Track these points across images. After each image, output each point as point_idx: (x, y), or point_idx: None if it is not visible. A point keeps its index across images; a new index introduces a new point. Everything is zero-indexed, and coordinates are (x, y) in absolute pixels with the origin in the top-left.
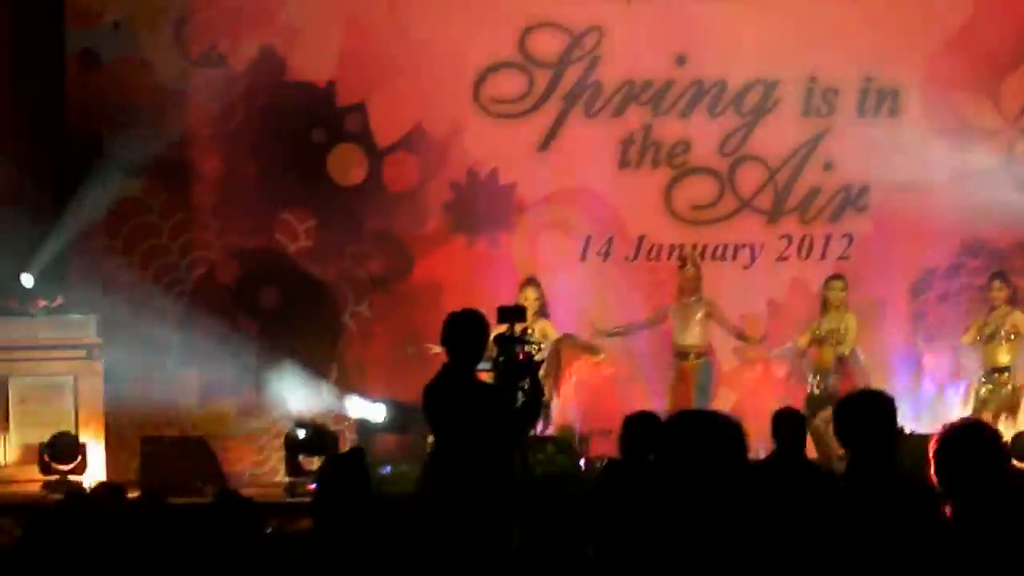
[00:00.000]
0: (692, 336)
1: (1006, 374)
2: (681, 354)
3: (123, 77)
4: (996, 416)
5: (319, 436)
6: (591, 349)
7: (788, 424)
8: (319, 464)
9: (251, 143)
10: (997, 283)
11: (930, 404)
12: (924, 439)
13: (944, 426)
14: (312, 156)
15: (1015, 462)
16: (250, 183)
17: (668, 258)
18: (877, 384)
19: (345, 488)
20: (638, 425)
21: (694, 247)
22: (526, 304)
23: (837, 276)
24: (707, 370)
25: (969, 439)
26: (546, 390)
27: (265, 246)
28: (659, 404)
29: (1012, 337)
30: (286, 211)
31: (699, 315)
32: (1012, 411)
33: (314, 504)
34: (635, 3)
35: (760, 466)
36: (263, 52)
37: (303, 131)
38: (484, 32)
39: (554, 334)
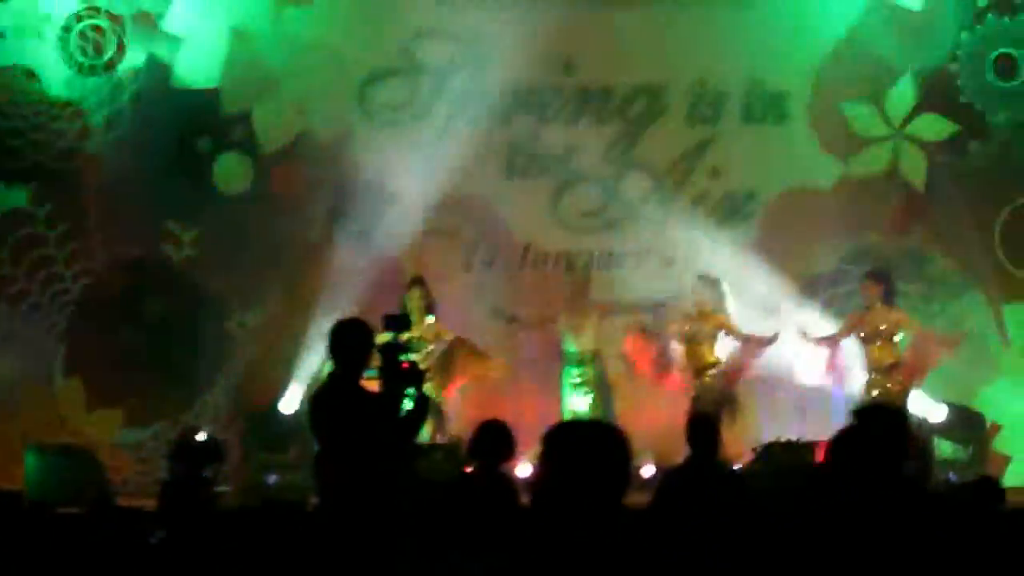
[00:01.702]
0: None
1: (895, 373)
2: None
3: (8, 86)
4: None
5: (204, 444)
6: (484, 356)
7: (702, 429)
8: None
9: (137, 152)
10: (868, 281)
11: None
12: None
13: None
14: (197, 164)
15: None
16: (136, 192)
17: (554, 266)
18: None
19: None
20: (489, 433)
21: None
22: (412, 304)
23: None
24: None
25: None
26: (434, 391)
27: (150, 256)
28: (551, 410)
29: (892, 337)
30: (171, 220)
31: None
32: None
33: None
34: (520, 9)
35: (676, 471)
36: (149, 61)
37: (188, 140)
38: (369, 38)
39: (448, 334)
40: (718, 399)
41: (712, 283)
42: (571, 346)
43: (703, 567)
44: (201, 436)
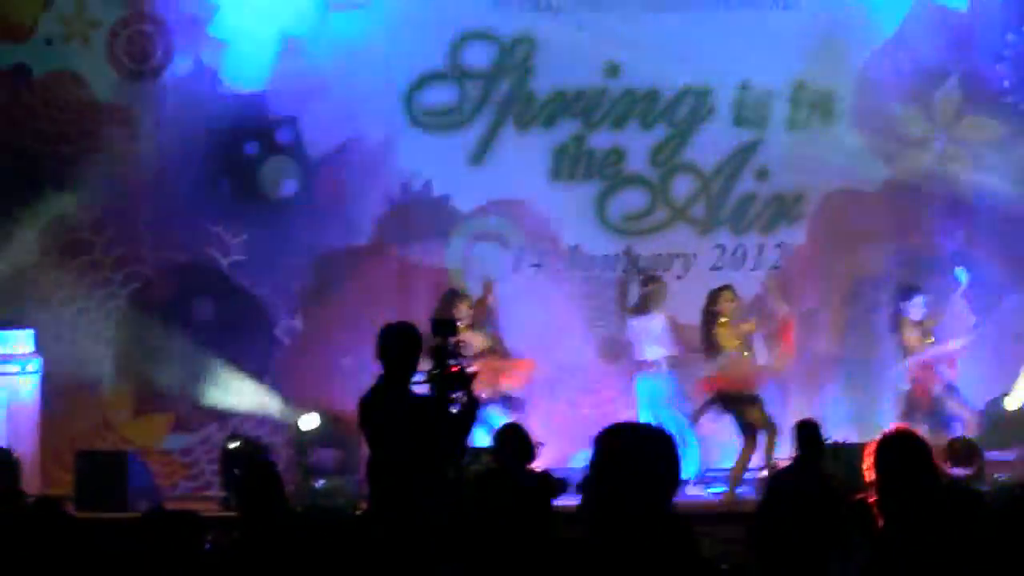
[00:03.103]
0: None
1: None
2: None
3: (56, 91)
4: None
5: (253, 449)
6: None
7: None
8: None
9: (184, 156)
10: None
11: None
12: (857, 449)
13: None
14: (244, 169)
15: (950, 468)
16: (183, 197)
17: (602, 269)
18: (807, 393)
19: (258, 498)
20: (510, 436)
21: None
22: (462, 313)
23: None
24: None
25: (901, 446)
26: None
27: (198, 260)
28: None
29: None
30: (218, 225)
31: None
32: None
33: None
34: (565, 13)
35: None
36: (196, 65)
37: (235, 144)
38: (416, 43)
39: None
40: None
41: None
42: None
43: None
44: (233, 444)
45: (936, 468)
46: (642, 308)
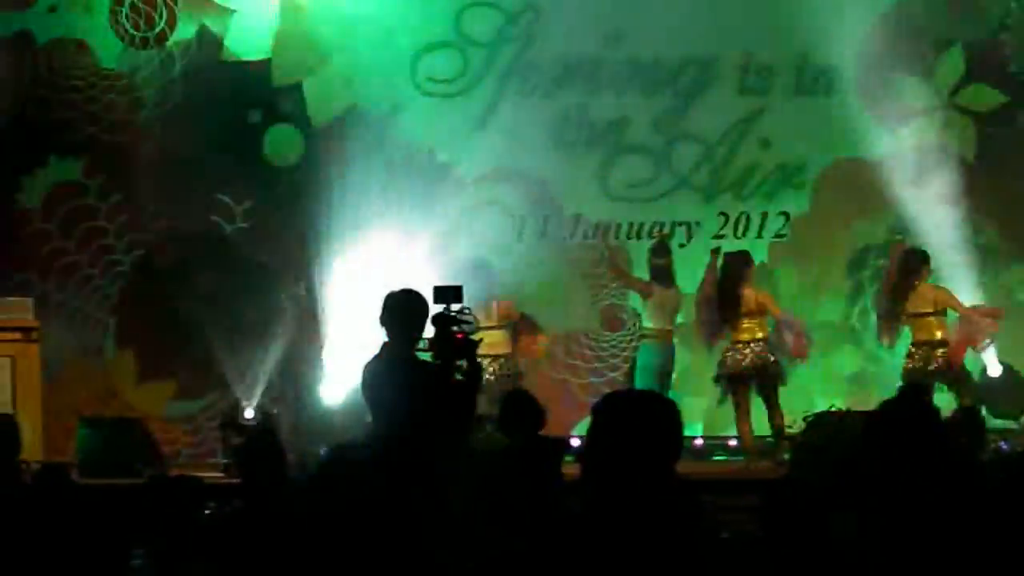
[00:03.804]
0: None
1: (940, 349)
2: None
3: (60, 59)
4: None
5: (260, 417)
6: (537, 330)
7: None
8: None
9: (188, 124)
10: (917, 260)
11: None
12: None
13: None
14: (249, 137)
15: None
16: (187, 164)
17: (605, 237)
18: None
19: (260, 468)
20: (516, 405)
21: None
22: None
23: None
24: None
25: (906, 411)
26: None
27: (202, 228)
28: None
29: (939, 315)
30: (223, 192)
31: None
32: (952, 382)
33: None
34: None
35: None
36: (199, 33)
37: (239, 112)
38: (420, 11)
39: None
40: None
41: None
42: (648, 322)
43: None
44: (249, 413)
45: (940, 435)
46: (651, 279)
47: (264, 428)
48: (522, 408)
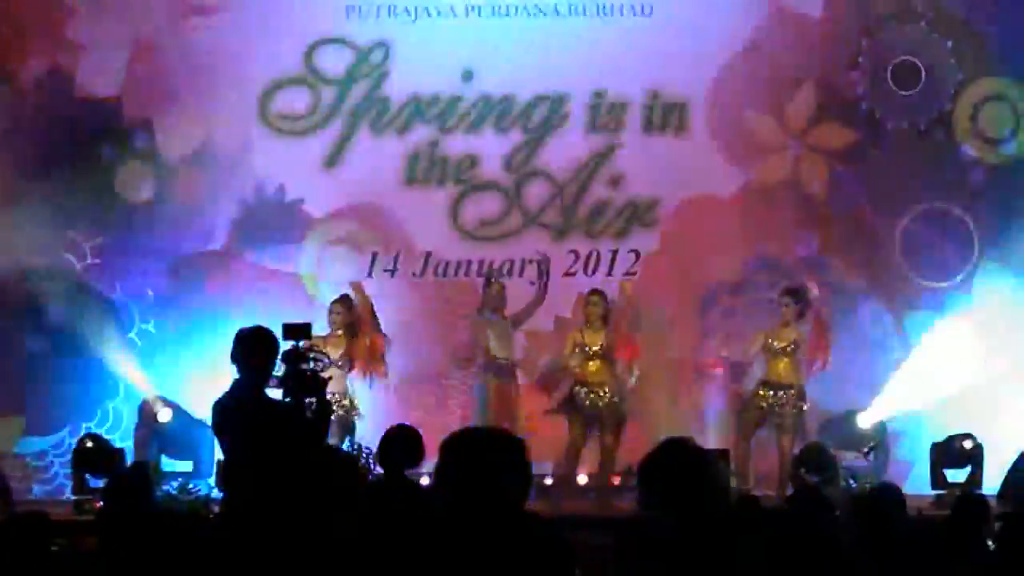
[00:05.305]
0: (510, 351)
1: (791, 391)
2: (502, 368)
3: None
4: (783, 433)
5: (105, 453)
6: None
7: None
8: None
9: (39, 160)
10: (788, 298)
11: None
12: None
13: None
14: (100, 173)
15: (805, 474)
16: (38, 201)
17: (455, 275)
18: (658, 401)
19: (129, 504)
20: (397, 439)
21: (491, 265)
22: (333, 317)
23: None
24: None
25: (673, 456)
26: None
27: (53, 264)
28: (452, 418)
29: (797, 354)
30: (74, 229)
31: (510, 331)
32: (796, 431)
33: (100, 521)
34: (420, 19)
35: None
36: (51, 69)
37: (91, 148)
38: (269, 48)
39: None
40: None
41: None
42: (505, 353)
43: None
44: (88, 444)
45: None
46: (482, 310)
47: (137, 463)
48: (404, 443)
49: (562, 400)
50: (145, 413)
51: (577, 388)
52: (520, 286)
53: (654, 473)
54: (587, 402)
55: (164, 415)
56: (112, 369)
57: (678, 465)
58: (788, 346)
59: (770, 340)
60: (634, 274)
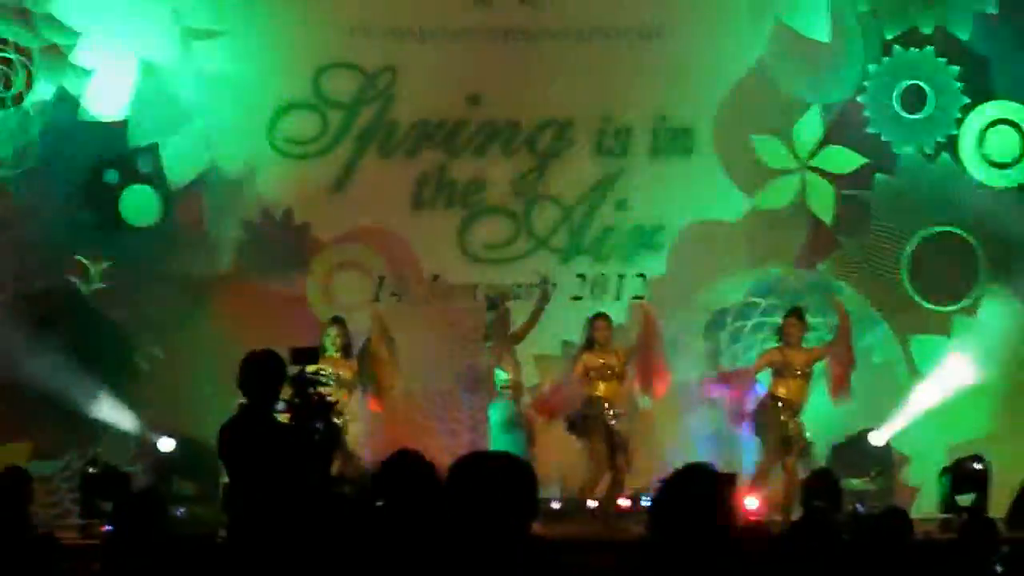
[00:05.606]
0: (519, 374)
1: (799, 412)
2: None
3: None
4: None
5: (112, 477)
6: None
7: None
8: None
9: (45, 184)
10: (793, 319)
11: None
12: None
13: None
14: (106, 197)
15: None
16: (44, 224)
17: (463, 298)
18: (664, 424)
19: (140, 529)
20: (399, 466)
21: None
22: (330, 341)
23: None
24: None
25: (687, 486)
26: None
27: (59, 287)
28: (454, 443)
29: (799, 374)
30: (80, 252)
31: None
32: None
33: (107, 546)
34: (428, 43)
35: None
36: (58, 93)
37: (97, 172)
38: (278, 72)
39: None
40: None
41: None
42: (500, 376)
43: None
44: (93, 470)
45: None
46: (487, 334)
47: (150, 485)
48: (407, 468)
49: (578, 420)
50: (147, 440)
51: (596, 407)
52: (527, 310)
53: (674, 498)
54: (611, 421)
55: (165, 445)
56: (119, 394)
57: (699, 491)
58: (804, 368)
59: (787, 359)
60: (641, 297)
